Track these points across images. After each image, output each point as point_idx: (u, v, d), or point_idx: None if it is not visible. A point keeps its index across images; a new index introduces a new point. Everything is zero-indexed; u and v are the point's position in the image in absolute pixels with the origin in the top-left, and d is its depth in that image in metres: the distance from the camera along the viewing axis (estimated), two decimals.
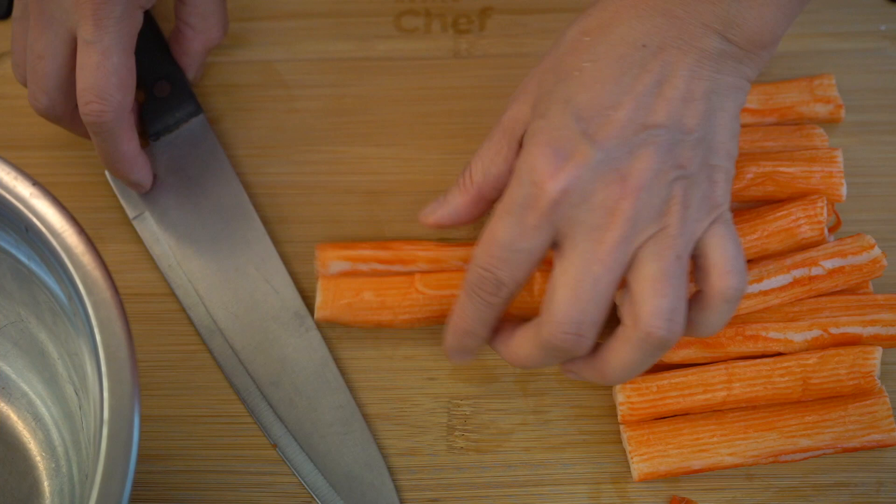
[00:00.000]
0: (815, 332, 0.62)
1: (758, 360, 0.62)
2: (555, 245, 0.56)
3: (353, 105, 0.72)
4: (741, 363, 0.62)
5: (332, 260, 0.65)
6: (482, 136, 0.71)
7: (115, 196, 0.69)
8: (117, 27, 0.61)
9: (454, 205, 0.61)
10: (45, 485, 0.61)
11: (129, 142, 0.64)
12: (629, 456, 0.61)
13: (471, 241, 0.65)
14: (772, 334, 0.62)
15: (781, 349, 0.62)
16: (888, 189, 0.69)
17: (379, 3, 0.75)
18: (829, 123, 0.70)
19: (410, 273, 0.65)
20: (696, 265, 0.56)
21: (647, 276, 0.54)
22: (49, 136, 0.71)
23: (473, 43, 0.74)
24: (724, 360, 0.62)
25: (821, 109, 0.70)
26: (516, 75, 0.73)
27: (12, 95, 0.73)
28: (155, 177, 0.68)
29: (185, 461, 0.63)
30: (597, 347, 0.57)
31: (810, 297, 0.63)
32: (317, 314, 0.64)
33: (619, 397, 0.62)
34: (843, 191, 0.66)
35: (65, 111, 0.65)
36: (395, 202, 0.69)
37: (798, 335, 0.62)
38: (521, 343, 0.58)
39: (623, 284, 0.55)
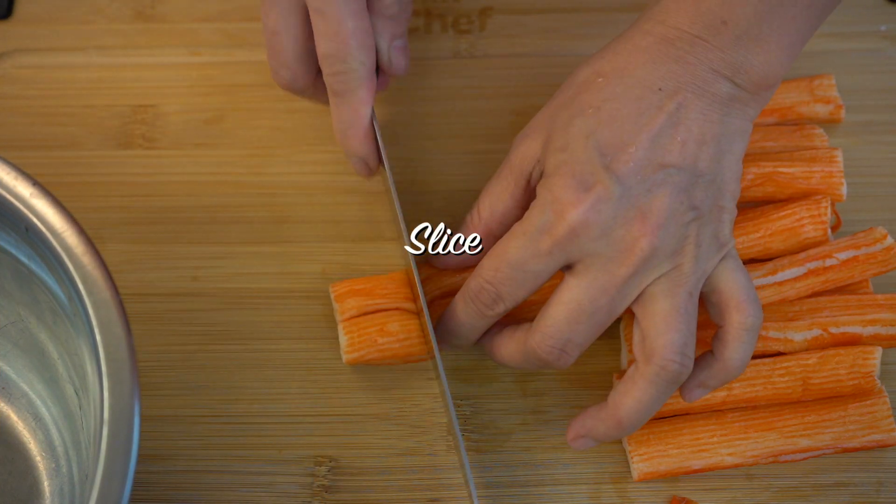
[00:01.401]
0: (815, 332, 0.62)
1: (757, 360, 0.62)
2: (565, 267, 0.57)
3: None
4: None
5: (352, 307, 0.64)
6: (482, 136, 0.71)
7: (113, 196, 0.70)
8: None
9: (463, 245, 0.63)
10: (45, 485, 0.61)
11: (367, 105, 0.63)
12: (629, 456, 0.61)
13: None
14: (772, 333, 0.62)
15: (781, 349, 0.62)
16: (888, 189, 0.70)
17: None
18: (829, 123, 0.70)
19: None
20: (710, 302, 0.58)
21: (659, 312, 0.56)
22: (49, 136, 0.71)
23: (473, 43, 0.74)
24: None
25: (821, 109, 0.70)
26: (516, 75, 0.73)
27: (12, 95, 0.73)
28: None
29: (185, 461, 0.63)
30: (607, 398, 0.58)
31: (826, 290, 0.64)
32: (345, 358, 0.63)
33: None
34: (844, 191, 0.66)
35: (307, 82, 0.64)
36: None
37: (798, 335, 0.62)
38: (506, 343, 0.60)
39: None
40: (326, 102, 0.65)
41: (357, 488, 0.62)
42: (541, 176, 0.58)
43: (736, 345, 0.57)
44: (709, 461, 0.61)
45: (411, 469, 0.63)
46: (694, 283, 0.56)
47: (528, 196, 0.60)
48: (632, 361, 0.63)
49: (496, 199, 0.61)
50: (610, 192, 0.55)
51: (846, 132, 0.71)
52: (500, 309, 0.59)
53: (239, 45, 0.74)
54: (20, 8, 0.76)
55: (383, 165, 0.65)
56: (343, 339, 0.63)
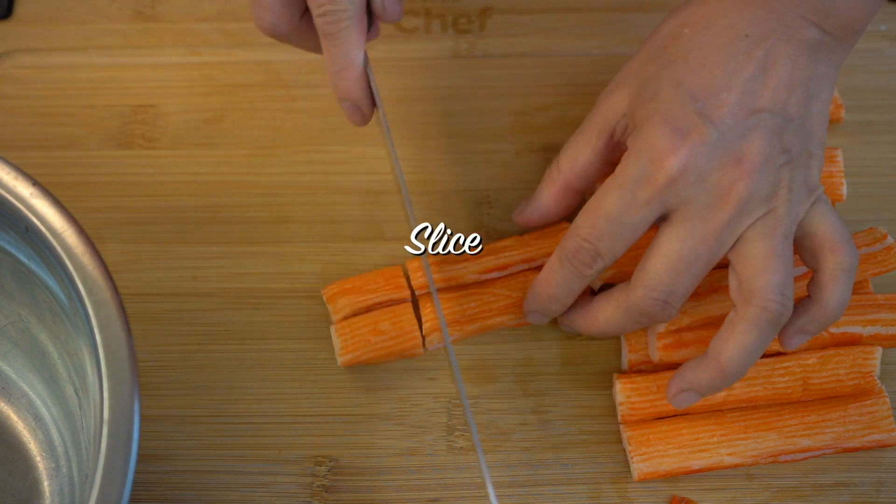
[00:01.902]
0: None
1: (757, 360, 0.62)
2: (661, 218, 0.57)
3: None
4: None
5: (344, 307, 0.64)
6: (482, 136, 0.71)
7: (113, 196, 0.70)
8: None
9: (542, 199, 0.63)
10: (45, 485, 0.61)
11: (358, 48, 0.61)
12: (629, 456, 0.61)
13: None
14: None
15: (781, 349, 0.62)
16: (888, 189, 0.70)
17: None
18: (829, 123, 0.70)
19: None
20: (803, 248, 0.58)
21: (757, 254, 0.56)
22: (49, 136, 0.71)
23: (473, 43, 0.74)
24: None
25: None
26: (516, 75, 0.73)
27: (12, 95, 0.73)
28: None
29: (185, 461, 0.63)
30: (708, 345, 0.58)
31: None
32: (339, 360, 0.63)
33: (619, 397, 0.62)
34: (844, 190, 0.66)
35: (290, 26, 0.62)
36: (396, 202, 0.69)
37: None
38: (604, 306, 0.60)
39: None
40: (311, 48, 0.63)
41: (357, 488, 0.62)
42: (625, 130, 0.59)
43: (834, 286, 0.57)
44: (709, 461, 0.61)
45: (411, 469, 0.63)
46: (788, 226, 0.56)
47: (609, 150, 0.60)
48: (632, 362, 0.63)
49: (578, 151, 0.61)
50: (706, 137, 0.55)
51: (846, 132, 0.71)
52: (599, 266, 0.58)
53: (239, 45, 0.74)
54: (20, 8, 0.76)
55: (378, 111, 0.63)
56: (336, 342, 0.63)
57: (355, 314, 0.64)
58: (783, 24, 0.56)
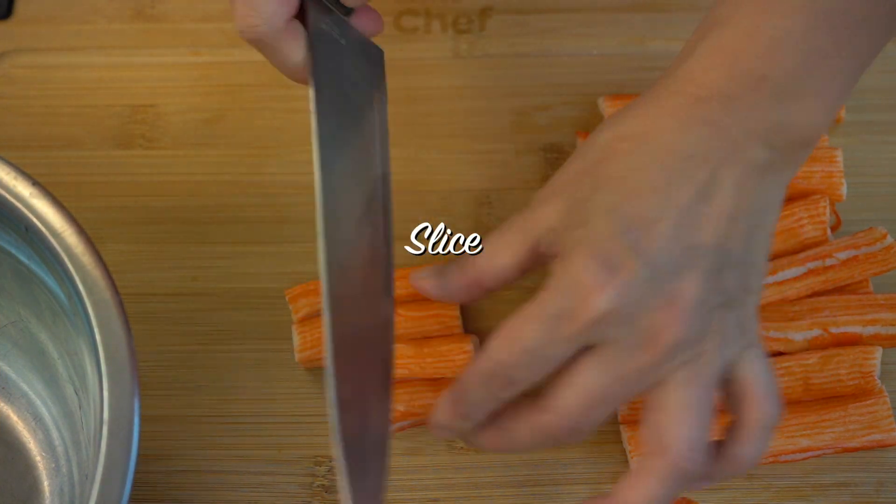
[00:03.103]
0: (816, 332, 0.62)
1: None
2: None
3: None
4: None
5: (304, 307, 0.64)
6: (482, 136, 0.71)
7: (113, 196, 0.70)
8: None
9: (448, 281, 0.58)
10: (45, 485, 0.61)
11: (295, 53, 0.56)
12: (629, 456, 0.61)
13: None
14: (772, 333, 0.62)
15: (781, 349, 0.62)
16: (888, 189, 0.70)
17: (379, 2, 0.75)
18: (829, 123, 0.70)
19: None
20: (728, 391, 0.54)
21: (675, 403, 0.51)
22: (49, 136, 0.71)
23: (473, 43, 0.74)
24: None
25: None
26: (516, 75, 0.73)
27: (12, 95, 0.73)
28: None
29: (185, 461, 0.63)
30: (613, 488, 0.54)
31: (826, 290, 0.64)
32: (297, 356, 0.63)
33: None
34: (844, 190, 0.66)
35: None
36: (395, 202, 0.69)
37: (798, 334, 0.62)
38: (516, 426, 0.55)
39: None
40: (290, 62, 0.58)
41: None
42: (550, 245, 0.54)
43: (748, 441, 0.53)
44: None
45: (411, 469, 0.63)
46: (714, 375, 0.52)
47: (529, 259, 0.55)
48: (625, 417, 0.63)
49: (497, 251, 0.56)
50: (636, 276, 0.50)
51: (846, 132, 0.71)
52: (514, 391, 0.54)
53: (239, 45, 0.74)
54: (20, 8, 0.76)
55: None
56: (295, 340, 0.63)
57: (315, 315, 0.64)
58: (729, 142, 0.51)
